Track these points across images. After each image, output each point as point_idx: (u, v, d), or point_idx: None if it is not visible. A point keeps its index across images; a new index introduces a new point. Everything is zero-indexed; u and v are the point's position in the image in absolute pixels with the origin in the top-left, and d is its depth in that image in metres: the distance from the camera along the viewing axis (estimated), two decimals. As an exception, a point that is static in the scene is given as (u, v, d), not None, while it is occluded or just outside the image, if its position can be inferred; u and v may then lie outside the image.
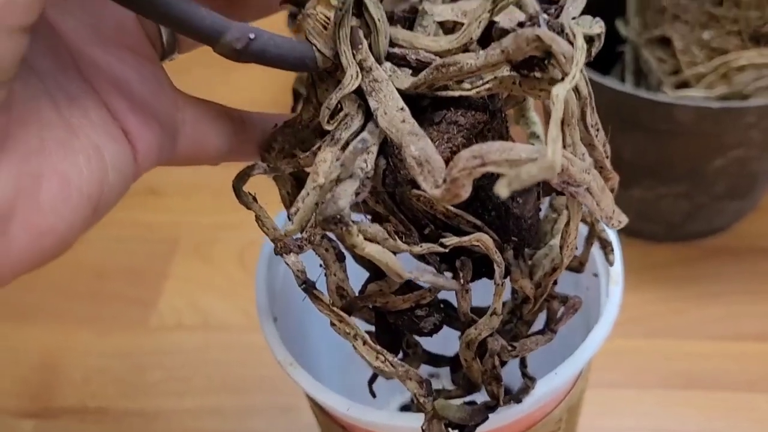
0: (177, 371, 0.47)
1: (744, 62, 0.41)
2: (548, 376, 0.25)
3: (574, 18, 0.19)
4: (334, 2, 0.20)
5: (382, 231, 0.20)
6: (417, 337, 0.26)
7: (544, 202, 0.25)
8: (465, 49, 0.20)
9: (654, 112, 0.41)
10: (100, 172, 0.21)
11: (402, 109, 0.20)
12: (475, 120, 0.21)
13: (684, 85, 0.44)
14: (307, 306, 0.33)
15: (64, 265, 0.34)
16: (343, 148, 0.21)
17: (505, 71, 0.19)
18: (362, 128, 0.21)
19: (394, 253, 0.20)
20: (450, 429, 0.23)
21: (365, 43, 0.20)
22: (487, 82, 0.20)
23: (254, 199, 0.24)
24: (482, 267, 0.22)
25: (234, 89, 0.54)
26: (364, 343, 0.22)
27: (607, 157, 0.20)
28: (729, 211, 0.49)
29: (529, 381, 0.25)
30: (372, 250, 0.19)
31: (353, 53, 0.20)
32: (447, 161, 0.19)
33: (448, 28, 0.22)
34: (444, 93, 0.20)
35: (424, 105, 0.21)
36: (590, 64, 0.27)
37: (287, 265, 0.22)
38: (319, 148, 0.21)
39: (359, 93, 0.21)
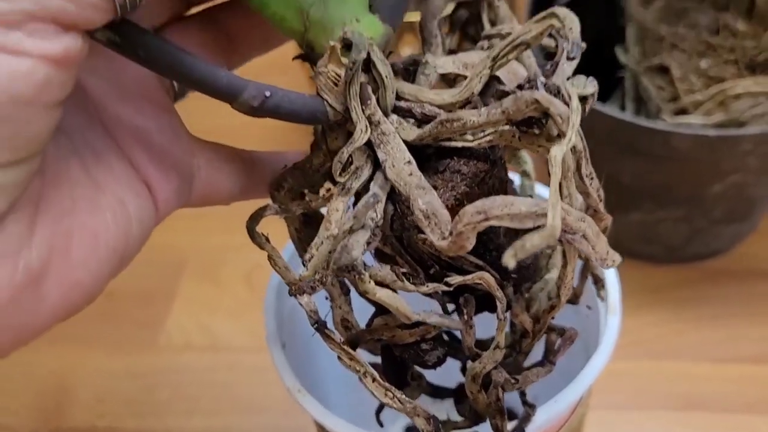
0: (185, 391, 0.47)
1: (740, 90, 0.42)
2: (548, 403, 0.26)
3: (569, 78, 0.21)
4: (344, 61, 0.21)
5: (390, 273, 0.21)
6: (421, 369, 0.26)
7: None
8: (467, 101, 0.21)
9: (652, 139, 0.42)
10: (126, 226, 0.22)
11: (409, 162, 0.21)
12: (477, 169, 0.22)
13: (682, 111, 0.45)
14: (313, 332, 0.34)
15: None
16: (354, 197, 0.22)
17: (505, 126, 0.20)
18: (371, 178, 0.22)
19: (393, 289, 0.21)
20: None
21: (373, 98, 0.21)
22: (489, 135, 0.21)
23: (267, 239, 0.25)
24: (484, 302, 0.23)
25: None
26: (374, 380, 0.23)
27: (600, 201, 0.21)
28: (728, 234, 0.50)
29: (529, 409, 0.25)
30: (383, 295, 0.20)
31: (362, 108, 0.21)
32: (451, 208, 0.21)
33: (450, 78, 0.23)
34: (448, 143, 0.21)
35: (429, 153, 0.22)
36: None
37: (300, 305, 0.23)
38: (328, 192, 0.22)
39: (368, 144, 0.22)
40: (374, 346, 0.25)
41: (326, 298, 0.24)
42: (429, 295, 0.22)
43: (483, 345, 0.23)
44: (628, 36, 0.47)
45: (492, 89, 0.22)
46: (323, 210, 0.23)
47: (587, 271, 0.28)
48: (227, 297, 0.53)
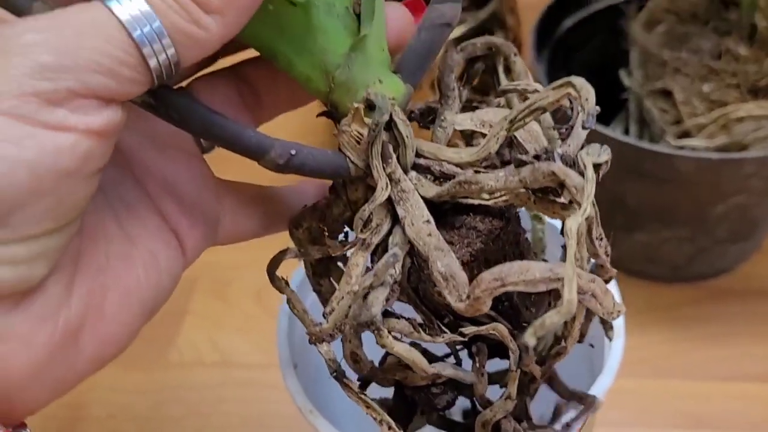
0: (196, 407, 0.48)
1: (743, 114, 0.43)
2: (555, 425, 0.27)
3: (583, 147, 0.22)
4: (367, 121, 0.22)
5: (408, 325, 0.22)
6: None
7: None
8: (485, 159, 0.22)
9: (656, 162, 0.43)
10: (156, 278, 0.23)
11: (428, 221, 0.22)
12: (492, 226, 0.23)
13: (686, 134, 0.46)
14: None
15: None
16: (374, 252, 0.23)
17: (521, 190, 0.21)
18: (390, 231, 0.23)
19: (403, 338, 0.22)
20: None
21: (394, 156, 0.23)
22: (505, 195, 0.22)
23: (286, 283, 0.26)
24: (494, 349, 0.24)
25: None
26: (390, 428, 0.24)
27: (607, 256, 0.22)
28: (732, 253, 0.51)
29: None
30: (400, 349, 0.22)
31: (383, 166, 0.22)
32: (466, 264, 0.22)
33: (467, 134, 0.24)
34: (464, 200, 0.22)
35: (445, 208, 0.23)
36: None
37: (320, 353, 0.24)
38: (346, 237, 0.23)
39: (388, 200, 0.23)
40: (386, 381, 0.26)
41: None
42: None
43: (491, 378, 0.24)
44: (632, 60, 0.48)
45: (507, 147, 0.22)
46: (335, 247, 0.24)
47: (592, 314, 0.29)
48: (237, 314, 0.53)
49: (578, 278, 0.20)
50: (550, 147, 0.21)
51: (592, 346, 0.33)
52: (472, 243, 0.22)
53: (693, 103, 0.45)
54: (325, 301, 0.27)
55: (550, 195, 0.21)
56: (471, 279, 0.21)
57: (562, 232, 0.21)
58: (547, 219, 0.30)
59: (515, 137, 0.23)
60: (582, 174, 0.20)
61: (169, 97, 0.21)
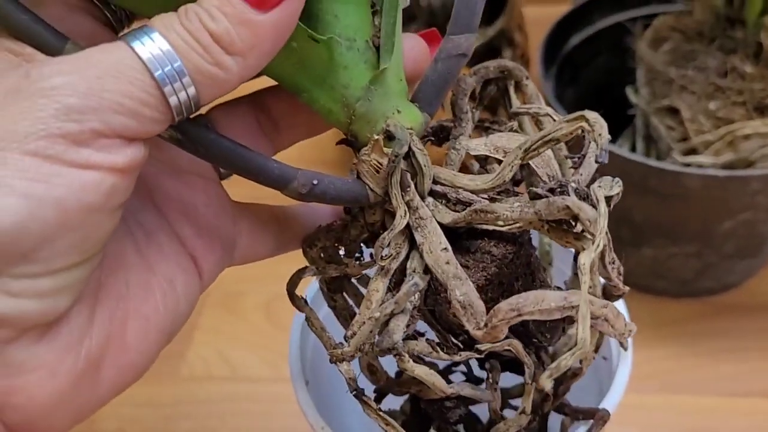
0: (206, 421, 0.48)
1: (749, 131, 0.44)
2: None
3: (595, 179, 0.22)
4: (386, 151, 0.23)
5: (427, 346, 0.23)
6: None
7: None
8: (499, 184, 0.23)
9: (663, 179, 0.43)
10: (174, 305, 0.24)
11: (446, 249, 0.23)
12: (506, 251, 0.23)
13: (692, 151, 0.46)
14: (335, 369, 0.35)
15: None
16: (392, 277, 0.23)
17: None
18: (407, 257, 0.23)
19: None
20: None
21: (412, 185, 0.23)
22: (519, 223, 0.22)
23: (305, 302, 0.26)
24: (506, 364, 0.25)
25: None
26: None
27: (620, 277, 0.23)
28: (739, 269, 0.51)
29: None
30: (420, 372, 0.22)
31: (402, 195, 0.23)
32: (480, 288, 0.22)
33: (481, 157, 0.25)
34: (479, 225, 0.23)
35: (460, 231, 0.24)
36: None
37: (340, 372, 0.24)
38: (361, 254, 0.24)
39: (406, 226, 0.23)
40: (402, 394, 0.26)
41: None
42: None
43: (507, 394, 0.25)
44: (638, 77, 0.49)
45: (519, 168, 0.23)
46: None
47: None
48: (246, 328, 0.54)
49: (591, 305, 0.21)
50: (564, 180, 0.22)
51: (605, 359, 0.33)
52: (487, 267, 0.23)
53: (699, 120, 0.45)
54: (339, 316, 0.28)
55: (563, 225, 0.22)
56: (486, 302, 0.22)
57: (575, 259, 0.22)
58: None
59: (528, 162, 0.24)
60: (595, 207, 0.21)
61: (195, 133, 0.22)
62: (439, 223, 0.23)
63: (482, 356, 0.23)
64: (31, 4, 0.20)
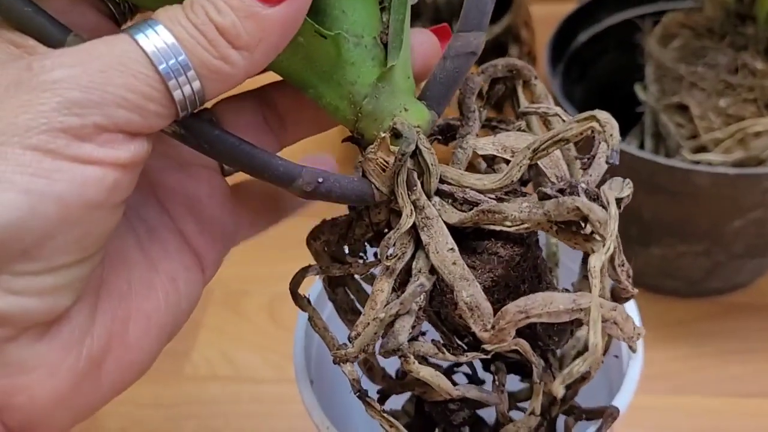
0: (210, 421, 0.48)
1: (760, 128, 0.43)
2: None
3: (605, 180, 0.22)
4: (393, 149, 0.22)
5: (432, 347, 0.22)
6: None
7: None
8: (507, 184, 0.23)
9: (672, 177, 0.42)
10: (176, 303, 0.23)
11: (452, 249, 0.22)
12: (514, 252, 0.23)
13: (702, 149, 0.45)
14: (339, 368, 0.35)
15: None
16: (397, 278, 0.23)
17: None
18: (412, 257, 0.23)
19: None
20: None
21: (419, 183, 0.23)
22: (527, 224, 0.22)
23: (308, 301, 0.26)
24: (511, 366, 0.25)
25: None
26: None
27: (629, 279, 0.22)
28: (748, 268, 0.50)
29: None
30: (426, 374, 0.22)
31: (408, 194, 0.23)
32: (487, 289, 0.22)
33: (489, 157, 0.24)
34: (486, 225, 0.23)
35: (467, 231, 0.23)
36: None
37: (344, 373, 0.24)
38: (364, 252, 0.24)
39: (412, 226, 0.23)
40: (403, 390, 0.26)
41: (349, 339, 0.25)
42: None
43: (510, 397, 0.24)
44: (647, 74, 0.48)
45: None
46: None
47: None
48: (250, 328, 0.53)
49: (601, 307, 0.20)
50: (574, 181, 0.22)
51: (616, 356, 0.33)
52: (494, 269, 0.23)
53: (709, 117, 0.44)
54: (339, 309, 0.28)
55: (573, 227, 0.21)
56: (492, 304, 0.22)
57: (584, 261, 0.21)
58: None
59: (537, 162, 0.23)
60: (605, 208, 0.21)
61: (200, 128, 0.21)
62: (445, 223, 0.23)
63: (488, 357, 0.23)
64: None
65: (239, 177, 0.27)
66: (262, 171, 0.22)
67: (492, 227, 0.22)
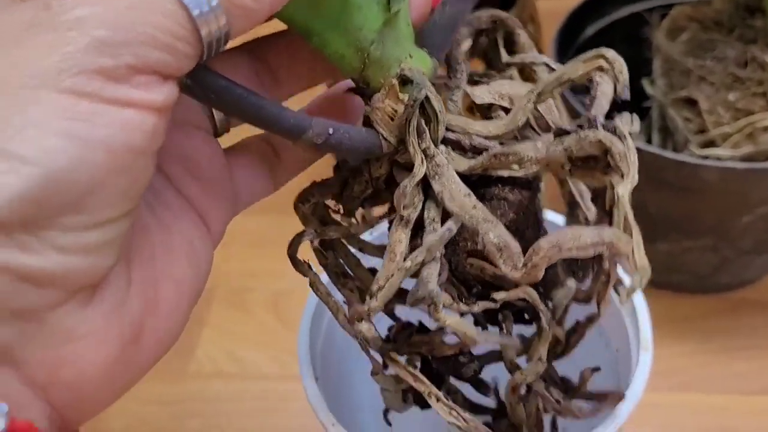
0: (214, 419, 0.48)
1: (769, 123, 0.43)
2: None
3: (612, 116, 0.22)
4: (402, 97, 0.22)
5: (448, 297, 0.22)
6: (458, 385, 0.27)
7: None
8: (512, 129, 0.22)
9: (679, 172, 0.42)
10: (197, 265, 0.22)
11: (468, 194, 0.22)
12: (522, 196, 0.23)
13: (710, 143, 0.45)
14: (345, 365, 0.35)
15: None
16: (414, 228, 0.22)
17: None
18: (423, 208, 0.22)
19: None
20: None
21: (427, 131, 0.22)
22: (536, 165, 0.21)
23: (309, 266, 0.26)
24: (516, 317, 0.25)
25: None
26: (438, 400, 0.24)
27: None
28: (757, 264, 0.50)
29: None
30: (452, 322, 0.22)
31: (419, 142, 0.22)
32: None
33: (484, 107, 0.24)
34: (494, 171, 0.22)
35: (473, 180, 0.23)
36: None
37: (357, 334, 0.23)
38: (365, 212, 0.24)
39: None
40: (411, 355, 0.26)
41: (344, 303, 0.25)
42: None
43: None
44: (655, 68, 0.48)
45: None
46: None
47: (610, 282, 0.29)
48: (254, 324, 0.53)
49: (620, 241, 0.21)
50: (592, 115, 0.21)
51: (617, 350, 0.32)
52: (505, 214, 0.23)
53: (718, 111, 0.44)
54: (332, 273, 0.27)
55: (591, 162, 0.21)
56: None
57: (594, 200, 0.21)
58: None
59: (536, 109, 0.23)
60: (622, 140, 0.21)
61: (207, 78, 0.20)
62: (456, 171, 0.22)
63: (498, 305, 0.23)
64: None
65: (231, 139, 0.26)
66: (271, 123, 0.21)
67: (500, 173, 0.22)
